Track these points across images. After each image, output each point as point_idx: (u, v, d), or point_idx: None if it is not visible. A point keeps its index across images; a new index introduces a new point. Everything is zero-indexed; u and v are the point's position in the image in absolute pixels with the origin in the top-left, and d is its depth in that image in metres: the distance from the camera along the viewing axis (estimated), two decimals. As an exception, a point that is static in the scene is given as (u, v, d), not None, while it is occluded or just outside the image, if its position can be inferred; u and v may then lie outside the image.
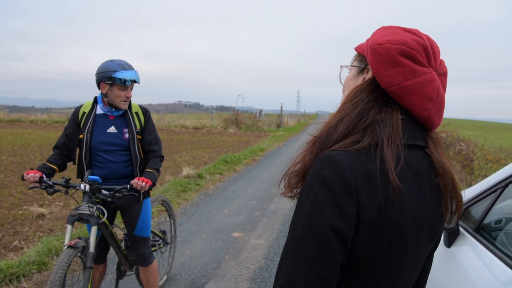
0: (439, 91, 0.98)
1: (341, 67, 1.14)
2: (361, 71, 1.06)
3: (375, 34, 1.03)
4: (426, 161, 0.99)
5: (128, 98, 2.87)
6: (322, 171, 0.91)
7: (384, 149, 0.91)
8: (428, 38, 1.00)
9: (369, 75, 1.03)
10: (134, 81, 2.85)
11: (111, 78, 2.73)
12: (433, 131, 1.04)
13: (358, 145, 0.92)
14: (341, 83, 1.15)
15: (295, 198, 1.01)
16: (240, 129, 27.95)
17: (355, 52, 1.12)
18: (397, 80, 0.94)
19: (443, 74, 1.01)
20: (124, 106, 2.88)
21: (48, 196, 2.79)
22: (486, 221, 1.99)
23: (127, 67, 2.81)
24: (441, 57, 1.02)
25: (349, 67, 1.12)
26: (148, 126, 3.03)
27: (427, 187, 0.97)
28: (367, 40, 1.05)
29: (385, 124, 0.94)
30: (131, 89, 2.88)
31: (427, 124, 1.00)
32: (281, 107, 34.22)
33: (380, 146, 0.91)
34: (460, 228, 2.07)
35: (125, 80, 2.75)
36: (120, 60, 2.83)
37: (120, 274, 3.37)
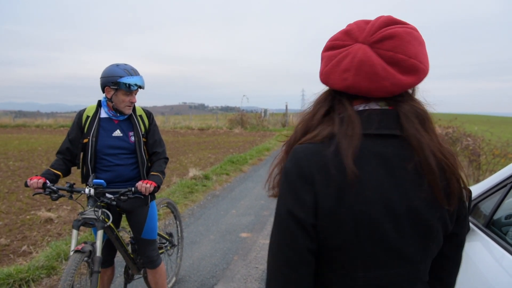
0: (358, 57, 0.97)
1: None
2: None
3: None
4: (402, 149, 0.97)
5: (132, 103, 2.86)
6: (286, 164, 1.00)
7: (340, 139, 0.95)
8: (371, 19, 1.03)
9: None
10: (139, 87, 2.84)
11: (117, 83, 2.72)
12: (410, 107, 1.00)
13: (316, 138, 0.99)
14: None
15: None
16: (245, 129, 27.94)
17: None
18: (321, 71, 1.05)
19: (383, 38, 0.97)
20: (128, 111, 2.88)
21: (56, 200, 2.79)
22: (496, 216, 1.97)
23: (132, 72, 2.79)
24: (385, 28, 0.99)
25: None
26: (152, 128, 3.02)
27: (404, 176, 0.96)
28: None
29: (342, 117, 0.99)
30: (136, 94, 2.87)
31: (362, 93, 0.99)
32: (286, 106, 34.18)
33: (337, 136, 0.96)
34: (470, 224, 2.04)
35: (130, 86, 2.75)
36: (125, 64, 2.82)
37: (128, 278, 3.37)
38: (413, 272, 1.00)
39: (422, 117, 1.00)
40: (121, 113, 2.87)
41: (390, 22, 1.01)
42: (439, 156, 0.97)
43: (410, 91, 1.06)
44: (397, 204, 0.94)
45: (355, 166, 0.91)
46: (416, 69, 0.97)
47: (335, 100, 1.04)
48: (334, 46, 1.03)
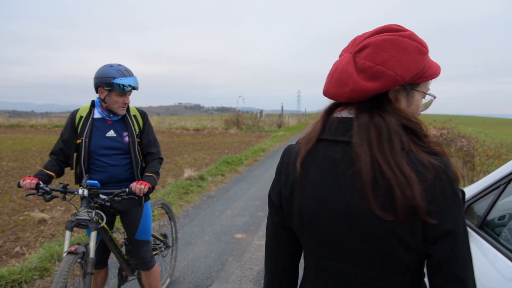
0: (338, 66, 1.06)
1: None
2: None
3: None
4: (350, 156, 1.01)
5: (126, 104, 2.85)
6: None
7: (302, 141, 1.13)
8: (366, 33, 1.08)
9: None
10: (133, 88, 2.83)
11: (110, 84, 2.71)
12: (364, 115, 1.03)
13: (299, 140, 1.16)
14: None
15: None
16: (241, 130, 27.94)
17: None
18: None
19: (362, 48, 1.03)
20: (122, 112, 2.86)
21: (49, 201, 2.77)
22: (489, 217, 1.97)
23: (126, 73, 2.78)
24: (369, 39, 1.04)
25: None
26: (146, 128, 3.01)
27: (344, 180, 1.01)
28: None
29: (313, 123, 1.14)
30: (129, 95, 2.86)
31: (332, 98, 1.10)
32: (282, 107, 34.22)
33: (302, 139, 1.14)
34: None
35: (124, 87, 2.73)
36: (119, 65, 2.80)
37: (122, 279, 3.35)
38: (364, 277, 1.03)
39: (380, 128, 0.99)
40: (115, 114, 2.85)
41: (381, 30, 1.05)
42: (385, 168, 0.95)
43: (393, 100, 1.05)
44: (334, 204, 1.02)
45: (304, 165, 1.08)
46: (381, 75, 0.99)
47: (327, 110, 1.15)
48: (339, 57, 1.12)
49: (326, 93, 1.10)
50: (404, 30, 1.04)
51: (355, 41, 1.09)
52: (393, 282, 1.02)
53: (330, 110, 1.12)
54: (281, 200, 1.15)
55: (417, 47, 1.02)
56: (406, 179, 0.93)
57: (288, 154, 1.16)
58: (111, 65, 2.78)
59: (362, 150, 0.98)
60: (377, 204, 0.95)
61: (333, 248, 1.05)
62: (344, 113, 1.08)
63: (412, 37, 1.03)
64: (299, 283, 1.26)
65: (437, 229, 0.95)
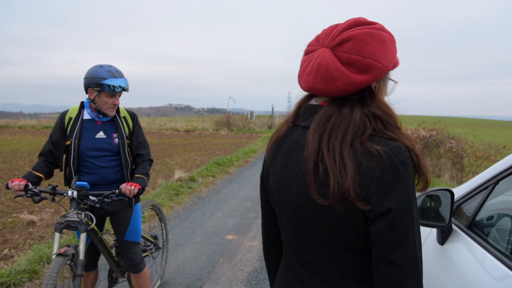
0: (316, 61, 1.08)
1: None
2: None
3: None
4: (305, 140, 1.10)
5: (115, 105, 2.83)
6: None
7: (277, 127, 1.26)
8: (334, 26, 1.12)
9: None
10: (123, 89, 2.82)
11: (100, 85, 2.70)
12: (330, 106, 1.10)
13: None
14: None
15: None
16: (231, 131, 27.91)
17: None
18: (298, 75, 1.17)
19: (342, 41, 1.06)
20: (111, 113, 2.85)
21: (38, 203, 2.75)
22: (478, 217, 1.99)
23: (116, 74, 2.77)
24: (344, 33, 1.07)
25: None
26: (136, 130, 3.00)
27: (299, 161, 1.10)
28: None
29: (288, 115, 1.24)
30: (119, 96, 2.85)
31: (320, 94, 1.10)
32: (272, 108, 34.25)
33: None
34: (453, 225, 2.07)
35: (114, 88, 2.72)
36: (110, 66, 2.79)
37: (112, 281, 3.33)
38: (318, 251, 1.12)
39: (340, 119, 1.06)
40: (104, 115, 2.84)
41: (354, 24, 1.08)
42: (326, 156, 1.02)
43: (376, 90, 1.12)
44: (291, 183, 1.12)
45: (276, 148, 1.21)
46: (371, 67, 1.04)
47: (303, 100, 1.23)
48: (307, 52, 1.15)
49: (312, 89, 1.10)
50: (375, 23, 1.09)
51: (328, 35, 1.10)
52: (349, 260, 1.09)
53: (305, 100, 1.21)
54: (263, 177, 1.31)
55: (390, 38, 1.09)
56: (343, 167, 1.00)
57: (271, 138, 1.28)
58: (101, 66, 2.76)
59: (312, 138, 1.07)
60: (315, 189, 1.03)
61: (294, 223, 1.16)
62: (312, 101, 1.17)
63: (383, 29, 1.09)
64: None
65: (372, 211, 1.00)
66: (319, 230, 1.09)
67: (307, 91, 1.15)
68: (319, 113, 1.09)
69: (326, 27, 1.16)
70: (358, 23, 1.08)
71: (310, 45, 1.15)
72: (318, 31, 1.17)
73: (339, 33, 1.07)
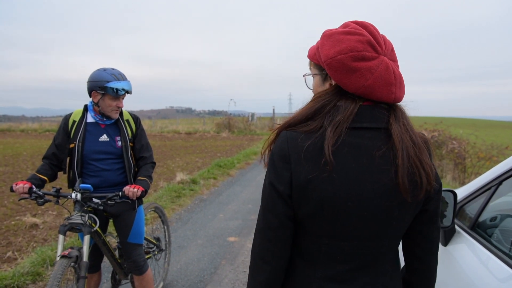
0: (395, 71, 1.11)
1: (304, 76, 1.31)
2: (325, 78, 1.21)
3: (323, 45, 1.16)
4: (375, 140, 1.11)
5: (119, 108, 2.85)
6: (273, 146, 1.19)
7: (327, 130, 1.08)
8: (368, 27, 1.13)
9: (333, 81, 1.17)
10: (127, 92, 2.83)
11: (104, 88, 2.71)
12: (397, 107, 1.17)
13: (305, 128, 1.13)
14: (309, 88, 1.30)
15: None
16: (232, 133, 27.91)
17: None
18: (360, 83, 1.09)
19: (391, 50, 1.15)
20: (115, 116, 2.86)
21: (42, 206, 2.76)
22: (481, 218, 1.99)
23: (120, 77, 2.78)
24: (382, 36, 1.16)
25: (311, 75, 1.27)
26: (139, 133, 3.01)
27: (370, 162, 1.09)
28: (317, 49, 1.19)
29: (339, 112, 1.10)
30: (123, 99, 2.86)
31: (396, 102, 1.15)
32: (273, 110, 34.26)
33: (324, 128, 1.09)
34: (456, 227, 2.07)
35: (117, 90, 2.73)
36: (113, 69, 2.80)
37: (115, 283, 3.34)
38: (377, 247, 1.15)
39: (403, 115, 1.16)
40: (108, 118, 2.85)
41: (377, 29, 1.16)
42: (411, 153, 1.10)
43: None
44: (361, 187, 1.08)
45: (331, 154, 1.06)
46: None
47: (342, 97, 1.14)
48: (365, 57, 1.09)
49: (396, 99, 1.13)
50: None
51: (379, 42, 1.12)
52: (392, 247, 1.20)
53: (333, 99, 1.15)
54: (290, 188, 1.12)
55: None
56: (432, 171, 1.13)
57: (294, 141, 1.12)
58: (104, 69, 2.78)
59: (403, 139, 1.10)
60: (404, 185, 1.08)
61: (353, 228, 1.12)
62: (375, 105, 1.14)
63: None
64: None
65: (435, 203, 1.20)
66: (388, 226, 1.14)
67: (388, 101, 1.13)
68: (397, 115, 1.14)
69: (349, 25, 1.16)
70: (377, 29, 1.16)
71: (364, 50, 1.09)
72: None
73: (387, 41, 1.15)
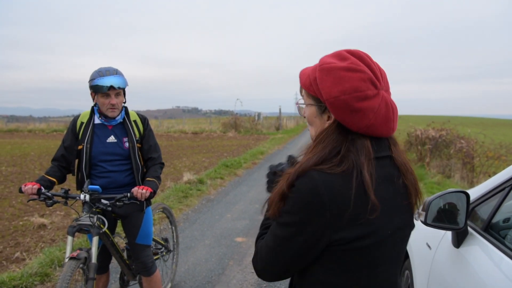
0: (393, 106, 1.14)
1: (297, 104, 1.29)
2: (323, 111, 1.17)
3: (322, 81, 1.12)
4: (393, 169, 1.17)
5: (113, 105, 2.77)
6: (299, 184, 1.08)
7: (363, 173, 1.06)
8: (365, 60, 1.12)
9: (332, 116, 1.14)
10: (115, 88, 2.71)
11: (91, 86, 2.72)
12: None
13: (334, 169, 1.07)
14: (302, 115, 1.28)
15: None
16: (239, 133, 27.94)
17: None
18: (364, 123, 1.09)
19: (386, 81, 1.16)
20: (112, 114, 2.81)
21: (50, 207, 2.76)
22: (494, 220, 1.96)
23: (106, 73, 2.70)
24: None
25: (304, 104, 1.24)
26: (147, 133, 2.99)
27: (396, 191, 1.16)
28: (314, 80, 1.15)
29: (360, 152, 1.09)
30: (116, 96, 2.77)
31: (389, 135, 1.18)
32: (280, 109, 34.27)
33: (359, 170, 1.06)
34: (469, 228, 2.04)
35: (102, 87, 2.67)
36: (107, 67, 2.76)
37: (123, 284, 3.34)
38: (399, 267, 1.25)
39: (396, 140, 1.22)
40: (107, 117, 2.83)
41: (371, 58, 1.16)
42: (414, 175, 1.20)
43: None
44: (393, 213, 1.15)
45: (375, 195, 1.06)
46: None
47: (352, 135, 1.12)
48: (367, 97, 1.08)
49: (394, 131, 1.17)
50: None
51: (378, 76, 1.12)
52: (400, 268, 1.27)
53: (340, 133, 1.14)
54: (326, 235, 1.07)
55: None
56: (415, 176, 1.22)
57: (329, 185, 1.06)
58: (98, 68, 2.76)
59: (404, 155, 1.21)
60: (415, 209, 1.22)
61: (391, 255, 1.19)
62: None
63: None
64: None
65: None
66: (404, 249, 1.25)
67: (387, 136, 1.17)
68: (394, 142, 1.21)
69: (353, 58, 1.14)
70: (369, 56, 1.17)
71: (366, 89, 1.08)
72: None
73: (382, 72, 1.15)
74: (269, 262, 1.16)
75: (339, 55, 1.14)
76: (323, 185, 1.05)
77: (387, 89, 1.14)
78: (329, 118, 1.16)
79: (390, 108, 1.12)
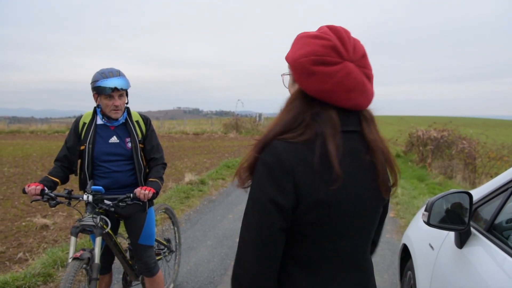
0: (357, 78, 1.11)
1: (282, 76, 1.31)
2: (294, 79, 1.20)
3: (291, 47, 1.20)
4: (361, 144, 1.17)
5: (116, 107, 2.78)
6: (264, 157, 1.12)
7: (328, 143, 1.08)
8: (339, 32, 1.14)
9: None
10: (119, 89, 2.73)
11: (95, 88, 2.72)
12: (365, 110, 1.20)
13: (296, 139, 1.10)
14: (285, 86, 1.30)
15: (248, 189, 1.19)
16: (240, 134, 27.92)
17: None
18: (317, 87, 1.11)
19: (361, 57, 1.15)
20: (115, 116, 2.82)
21: (53, 207, 2.76)
22: (497, 220, 1.96)
23: (109, 75, 2.71)
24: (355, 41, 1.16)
25: (286, 75, 1.28)
26: (149, 134, 3.00)
27: (361, 166, 1.16)
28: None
29: (325, 121, 1.11)
30: (119, 97, 2.78)
31: (356, 108, 1.15)
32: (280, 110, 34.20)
33: (323, 139, 1.09)
34: (471, 229, 2.04)
35: (105, 89, 2.68)
36: (110, 68, 2.77)
37: (126, 285, 3.34)
38: (366, 243, 1.25)
39: (372, 118, 1.21)
40: (110, 118, 2.83)
41: (347, 31, 1.17)
42: (386, 152, 1.21)
43: None
44: (358, 190, 1.15)
45: (339, 166, 1.07)
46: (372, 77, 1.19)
47: (315, 103, 1.14)
48: (325, 62, 1.10)
49: (356, 106, 1.14)
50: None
51: (346, 47, 1.12)
52: (368, 244, 1.28)
53: (310, 107, 1.15)
54: (295, 200, 1.09)
55: None
56: (399, 172, 1.26)
57: (293, 152, 1.09)
58: (100, 70, 2.77)
59: (376, 139, 1.18)
60: (384, 186, 1.20)
61: (353, 228, 1.18)
62: (346, 110, 1.16)
63: None
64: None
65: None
66: (374, 223, 1.25)
67: (349, 108, 1.14)
68: (367, 119, 1.19)
69: (322, 28, 1.18)
70: (347, 31, 1.17)
71: (326, 54, 1.10)
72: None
73: (354, 45, 1.14)
74: (257, 252, 1.12)
75: (318, 28, 1.20)
76: (285, 153, 1.09)
77: (362, 65, 1.14)
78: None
79: (352, 78, 1.10)
